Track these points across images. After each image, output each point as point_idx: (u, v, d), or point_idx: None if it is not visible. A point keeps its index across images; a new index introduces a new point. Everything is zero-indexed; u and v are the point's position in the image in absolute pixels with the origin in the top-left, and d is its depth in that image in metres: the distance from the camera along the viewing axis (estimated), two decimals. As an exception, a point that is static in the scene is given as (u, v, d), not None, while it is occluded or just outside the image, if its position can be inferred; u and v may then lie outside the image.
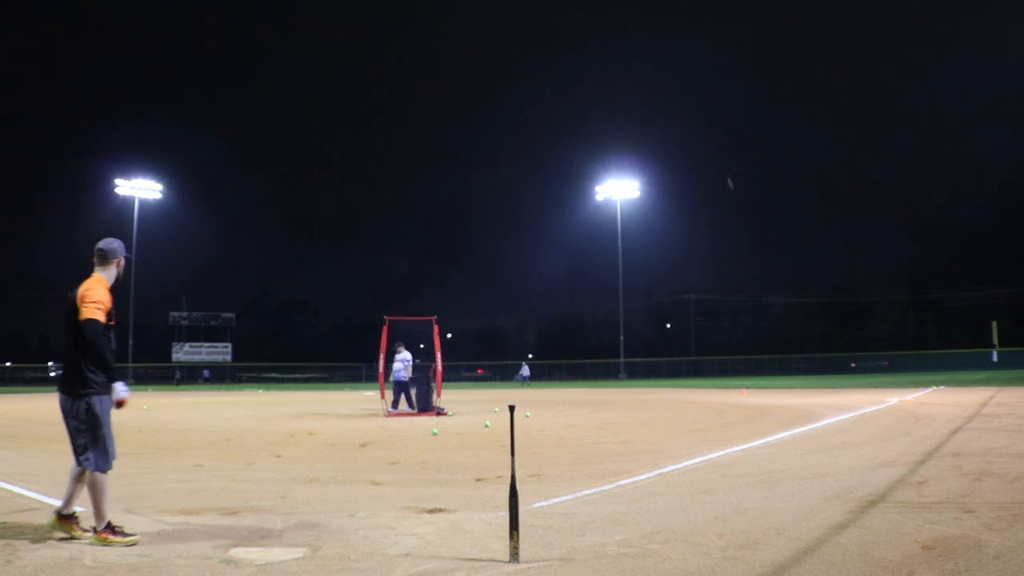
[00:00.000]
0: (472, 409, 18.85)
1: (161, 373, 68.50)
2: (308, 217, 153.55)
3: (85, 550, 4.10)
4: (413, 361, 16.90)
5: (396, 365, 16.73)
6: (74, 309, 4.34)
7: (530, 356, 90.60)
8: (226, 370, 74.31)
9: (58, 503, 4.46)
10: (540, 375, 77.67)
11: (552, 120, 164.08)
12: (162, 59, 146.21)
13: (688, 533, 4.40)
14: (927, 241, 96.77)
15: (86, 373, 4.28)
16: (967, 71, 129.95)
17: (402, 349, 16.77)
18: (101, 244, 4.62)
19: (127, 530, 4.36)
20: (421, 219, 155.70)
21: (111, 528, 4.25)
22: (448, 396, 23.47)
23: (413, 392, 16.71)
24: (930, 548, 3.92)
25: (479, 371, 76.35)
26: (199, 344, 78.84)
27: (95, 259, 4.59)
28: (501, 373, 75.71)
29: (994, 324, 56.85)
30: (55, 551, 4.09)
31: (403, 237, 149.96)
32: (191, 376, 68.29)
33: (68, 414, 4.32)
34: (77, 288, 4.43)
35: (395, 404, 16.70)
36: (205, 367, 72.22)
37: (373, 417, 15.94)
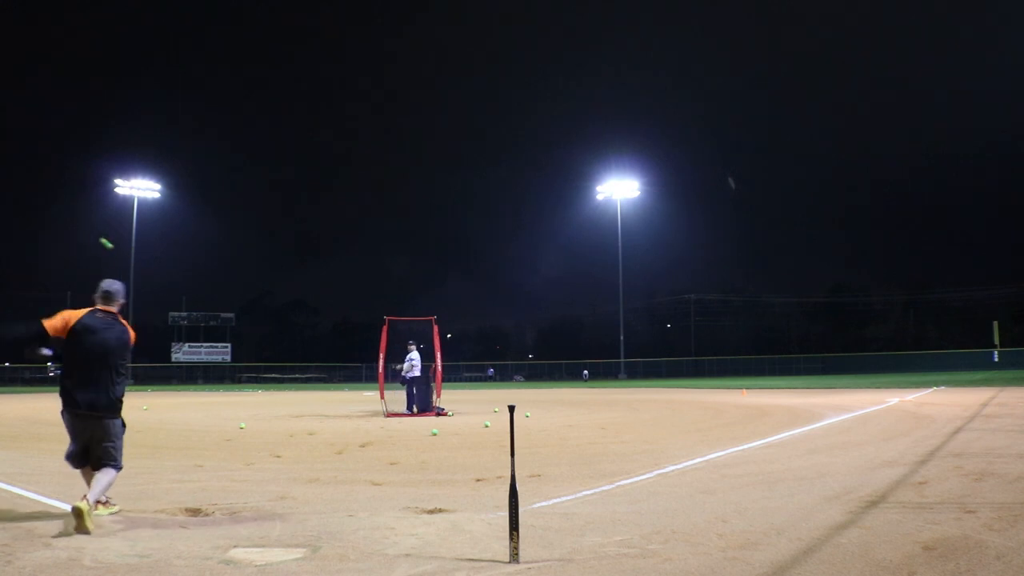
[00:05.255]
0: (472, 409, 18.84)
1: (159, 373, 68.40)
2: (308, 217, 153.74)
3: (84, 550, 4.09)
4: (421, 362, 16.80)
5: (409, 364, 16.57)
6: None
7: (530, 356, 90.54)
8: (225, 370, 74.28)
9: (57, 503, 4.46)
10: (540, 375, 77.63)
11: (553, 120, 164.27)
12: (162, 59, 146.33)
13: (688, 533, 4.39)
14: (927, 241, 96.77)
15: None
16: (968, 71, 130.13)
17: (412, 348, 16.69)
18: (104, 285, 5.09)
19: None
20: (421, 219, 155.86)
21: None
22: (448, 396, 23.45)
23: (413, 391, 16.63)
24: (931, 548, 3.91)
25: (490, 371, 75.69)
26: (198, 344, 78.80)
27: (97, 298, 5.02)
28: (501, 373, 75.67)
29: (995, 324, 56.81)
30: (54, 551, 4.08)
31: (403, 237, 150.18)
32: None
33: None
34: None
35: (409, 406, 16.51)
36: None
37: (373, 417, 15.93)
